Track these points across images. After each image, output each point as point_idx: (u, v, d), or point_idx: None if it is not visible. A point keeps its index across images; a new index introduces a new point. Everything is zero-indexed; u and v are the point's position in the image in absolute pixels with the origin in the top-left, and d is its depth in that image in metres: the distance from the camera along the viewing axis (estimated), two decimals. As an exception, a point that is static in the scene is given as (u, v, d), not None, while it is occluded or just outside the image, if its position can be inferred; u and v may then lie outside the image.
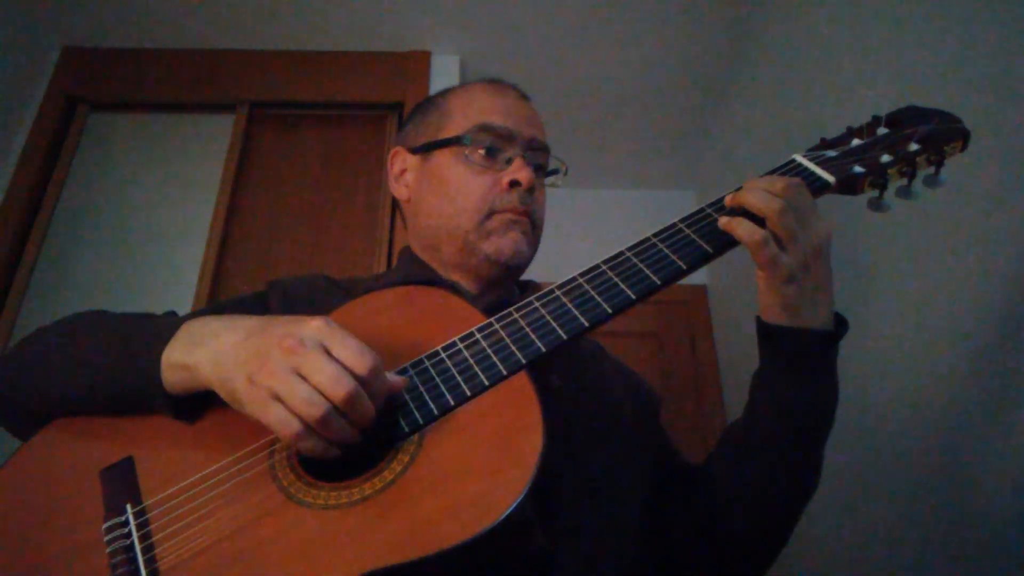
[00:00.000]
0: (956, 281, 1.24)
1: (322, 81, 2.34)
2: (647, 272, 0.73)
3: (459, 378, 0.67)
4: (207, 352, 0.66)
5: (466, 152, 0.93)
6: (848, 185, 0.79)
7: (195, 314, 0.76)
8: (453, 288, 0.88)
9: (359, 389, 0.60)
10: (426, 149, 0.98)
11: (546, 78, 2.48)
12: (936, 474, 1.25)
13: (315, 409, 0.59)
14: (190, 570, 0.60)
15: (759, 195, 0.72)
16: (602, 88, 2.55)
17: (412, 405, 0.66)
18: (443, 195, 0.93)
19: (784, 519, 0.82)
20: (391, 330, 0.74)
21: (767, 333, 0.78)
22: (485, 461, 0.61)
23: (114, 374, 0.71)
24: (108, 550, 0.62)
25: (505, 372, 0.67)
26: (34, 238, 2.08)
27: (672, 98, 2.58)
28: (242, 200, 2.18)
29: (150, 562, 0.60)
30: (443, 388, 0.67)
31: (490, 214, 0.90)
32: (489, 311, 0.74)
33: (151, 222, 2.14)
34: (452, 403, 0.66)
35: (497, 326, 0.71)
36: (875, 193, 0.81)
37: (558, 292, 0.73)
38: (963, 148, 0.79)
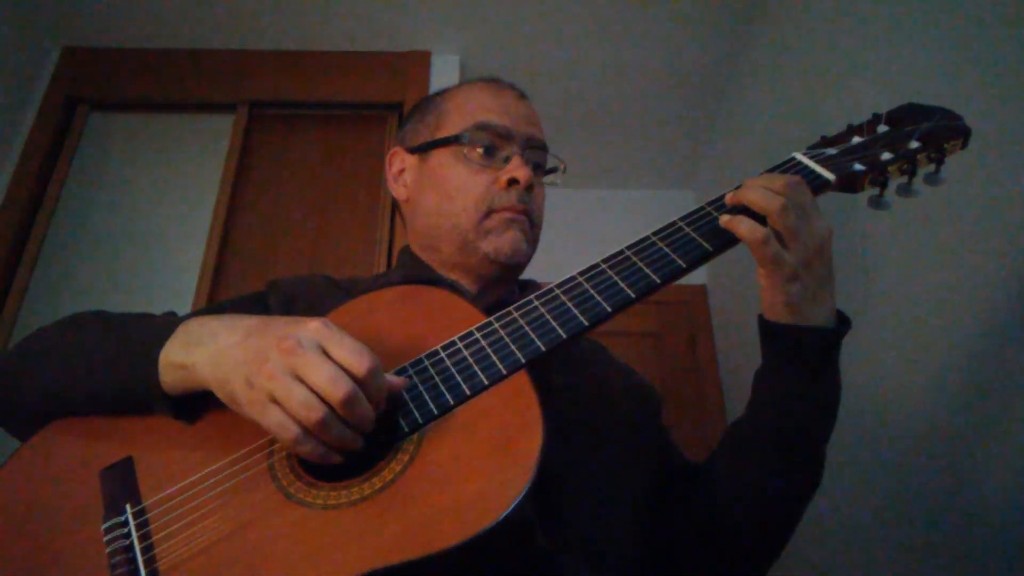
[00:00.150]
0: (956, 281, 1.24)
1: (322, 81, 2.34)
2: (647, 271, 0.73)
3: (458, 377, 0.67)
4: (205, 352, 0.66)
5: (464, 151, 0.92)
6: (848, 183, 0.79)
7: (194, 314, 0.76)
8: (453, 287, 0.88)
9: (357, 390, 0.59)
10: (424, 149, 0.98)
11: (546, 78, 2.48)
12: (936, 474, 1.25)
13: (313, 413, 0.59)
14: (189, 570, 0.60)
15: (760, 193, 0.72)
16: (602, 88, 2.55)
17: (412, 405, 0.66)
18: (442, 194, 0.93)
19: (786, 517, 0.82)
20: (390, 330, 0.73)
21: (770, 331, 0.78)
22: (485, 461, 0.60)
23: (112, 374, 0.71)
24: (107, 550, 0.62)
25: (505, 371, 0.67)
26: (34, 238, 2.08)
27: (672, 98, 2.58)
28: (242, 200, 2.18)
29: (149, 562, 0.60)
30: (442, 388, 0.67)
31: (489, 213, 0.90)
32: (489, 310, 0.74)
33: (151, 222, 2.14)
34: (452, 402, 0.66)
35: (497, 325, 0.71)
36: (875, 191, 0.81)
37: (558, 291, 0.73)
38: (964, 146, 0.79)
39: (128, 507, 0.65)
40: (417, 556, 0.55)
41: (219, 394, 0.65)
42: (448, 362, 0.69)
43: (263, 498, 0.63)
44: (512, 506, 0.56)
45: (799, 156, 0.81)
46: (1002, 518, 1.08)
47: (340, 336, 0.62)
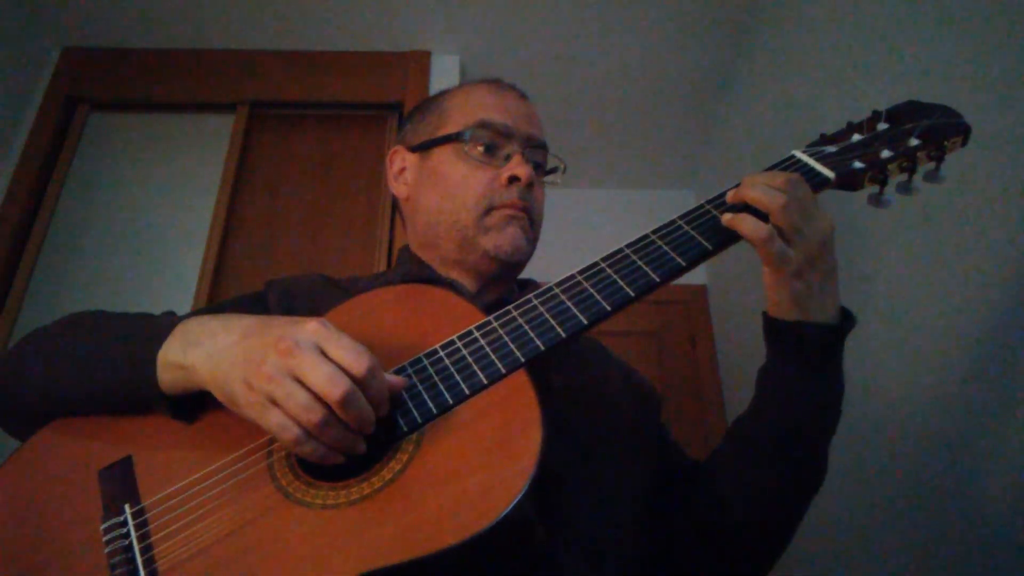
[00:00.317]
0: (956, 279, 1.24)
1: (322, 81, 2.34)
2: (646, 269, 0.72)
3: (458, 377, 0.67)
4: (203, 352, 0.66)
5: (465, 148, 0.93)
6: (848, 181, 0.78)
7: (193, 314, 0.76)
8: (452, 286, 0.88)
9: (355, 389, 0.59)
10: (425, 147, 0.98)
11: (546, 78, 2.48)
12: (936, 474, 1.25)
13: (312, 414, 0.59)
14: (188, 570, 0.60)
15: (762, 191, 0.72)
16: (602, 88, 2.55)
17: (411, 404, 0.66)
18: (442, 191, 0.93)
19: (787, 517, 0.81)
20: (389, 329, 0.73)
21: (775, 328, 0.77)
22: (484, 460, 0.60)
23: (110, 374, 0.71)
24: (106, 550, 0.62)
25: (504, 371, 0.67)
26: (34, 238, 2.08)
27: (672, 98, 2.58)
28: (242, 200, 2.18)
29: (148, 562, 0.60)
30: (442, 387, 0.67)
31: (489, 209, 0.90)
32: (488, 309, 0.73)
33: (151, 222, 2.14)
34: (451, 402, 0.66)
35: (496, 324, 0.71)
36: (875, 189, 0.80)
37: (557, 290, 0.73)
38: (964, 143, 0.79)
39: (127, 507, 0.65)
40: (417, 556, 0.55)
41: (218, 395, 0.65)
42: (447, 361, 0.69)
43: (262, 498, 0.63)
44: (511, 505, 0.56)
45: (799, 154, 0.81)
46: (1002, 518, 1.08)
47: (338, 336, 0.61)
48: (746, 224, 0.71)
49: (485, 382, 0.66)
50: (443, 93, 1.04)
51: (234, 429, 0.67)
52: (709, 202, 0.78)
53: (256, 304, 0.88)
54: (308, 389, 0.59)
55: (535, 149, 0.97)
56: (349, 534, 0.58)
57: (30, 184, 2.12)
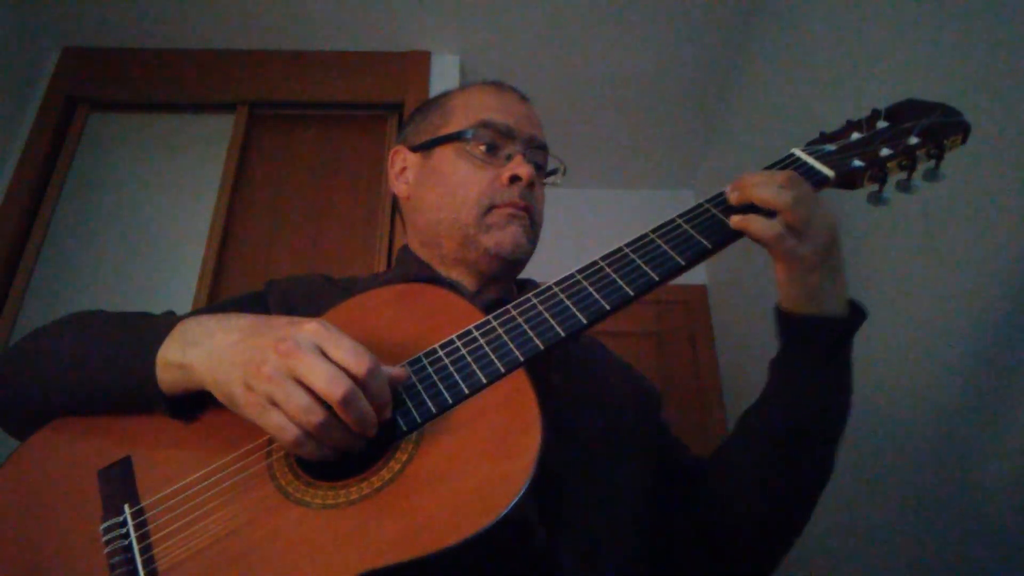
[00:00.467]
0: (955, 278, 1.24)
1: (322, 81, 2.34)
2: (645, 268, 0.72)
3: (457, 376, 0.67)
4: (202, 352, 0.66)
5: (467, 148, 0.93)
6: (847, 179, 0.78)
7: (192, 313, 0.76)
8: (451, 286, 0.88)
9: (356, 390, 0.59)
10: (427, 146, 0.98)
11: (546, 78, 2.48)
12: (935, 473, 1.25)
13: (312, 416, 0.59)
14: (188, 570, 0.60)
15: (769, 190, 0.72)
16: (602, 88, 2.55)
17: (410, 404, 0.66)
18: (444, 190, 0.93)
19: (796, 511, 0.81)
20: (389, 328, 0.73)
21: (791, 322, 0.78)
22: (483, 460, 0.60)
23: (109, 373, 0.71)
24: (106, 550, 0.62)
25: (503, 370, 0.67)
26: (34, 238, 2.08)
27: (672, 98, 2.58)
28: (242, 200, 2.18)
29: (148, 562, 0.60)
30: (441, 387, 0.67)
31: (490, 208, 0.91)
32: (488, 309, 0.73)
33: (151, 222, 2.14)
34: (450, 401, 0.66)
35: (495, 324, 0.71)
36: (874, 187, 0.80)
37: (556, 289, 0.73)
38: (963, 142, 0.79)
39: (127, 507, 0.65)
40: (416, 555, 0.55)
41: (217, 395, 0.65)
42: (446, 361, 0.69)
43: (262, 498, 0.63)
44: (511, 505, 0.56)
45: (798, 152, 0.81)
46: (1002, 518, 1.08)
47: (338, 337, 0.61)
48: (756, 224, 0.72)
49: (484, 382, 0.66)
50: (445, 94, 1.05)
51: (233, 429, 0.67)
52: (708, 201, 0.78)
53: (256, 304, 0.88)
54: (308, 390, 0.59)
55: (536, 150, 0.97)
56: (349, 534, 0.58)
57: (30, 184, 2.12)
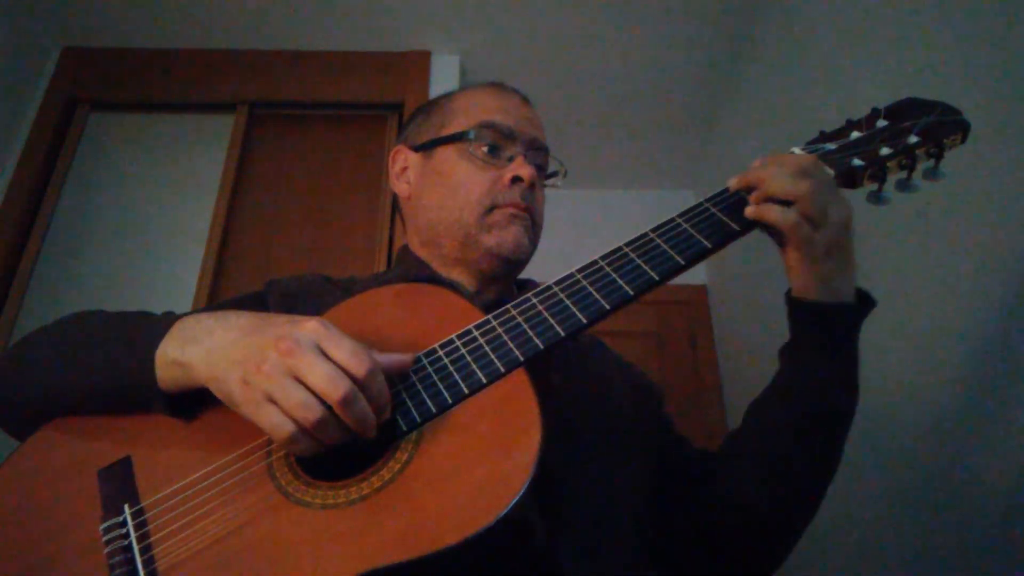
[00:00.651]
0: (955, 277, 1.24)
1: (322, 81, 2.34)
2: (645, 268, 0.73)
3: (457, 376, 0.67)
4: (200, 349, 0.66)
5: (469, 148, 0.94)
6: (847, 178, 0.79)
7: (191, 313, 0.76)
8: (452, 286, 0.88)
9: (356, 390, 0.59)
10: (429, 146, 0.99)
11: (546, 78, 2.48)
12: (934, 472, 1.25)
13: (311, 413, 0.59)
14: (188, 570, 0.60)
15: (783, 181, 0.73)
16: (602, 88, 2.55)
17: (410, 403, 0.66)
18: (445, 190, 0.94)
19: (808, 498, 0.82)
20: (389, 328, 0.73)
21: (803, 308, 0.78)
22: (483, 459, 0.60)
23: (109, 372, 0.71)
24: (106, 551, 0.62)
25: (503, 370, 0.67)
26: (34, 238, 2.08)
27: (672, 98, 2.58)
28: (242, 200, 2.18)
29: (148, 562, 0.60)
30: (441, 386, 0.67)
31: (491, 208, 0.91)
32: (487, 308, 0.73)
33: (151, 222, 2.14)
34: (450, 401, 0.66)
35: (495, 323, 0.71)
36: (874, 186, 0.81)
37: (556, 289, 0.73)
38: (963, 141, 0.79)
39: (127, 507, 0.65)
40: (416, 555, 0.55)
41: (214, 391, 0.65)
42: (446, 360, 0.69)
43: (262, 498, 0.63)
44: (511, 505, 0.56)
45: (798, 151, 0.82)
46: (1002, 518, 1.08)
47: (339, 337, 0.62)
48: (772, 213, 0.73)
49: (484, 381, 0.66)
50: (447, 95, 1.05)
51: (233, 429, 0.67)
52: (708, 201, 0.78)
53: (255, 304, 0.88)
54: (306, 388, 0.59)
55: (537, 152, 0.98)
56: (349, 534, 0.58)
57: (30, 184, 2.12)
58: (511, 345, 0.68)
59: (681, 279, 0.76)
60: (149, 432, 0.70)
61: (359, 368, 0.60)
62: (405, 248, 1.01)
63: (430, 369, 0.68)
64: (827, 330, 0.78)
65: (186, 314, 0.74)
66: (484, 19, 2.32)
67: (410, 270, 0.95)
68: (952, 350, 1.24)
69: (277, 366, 0.60)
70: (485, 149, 0.93)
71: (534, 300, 0.72)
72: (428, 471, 0.61)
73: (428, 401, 0.66)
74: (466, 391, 0.66)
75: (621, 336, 2.54)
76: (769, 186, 0.73)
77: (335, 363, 0.60)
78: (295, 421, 0.59)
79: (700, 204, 0.78)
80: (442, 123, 0.99)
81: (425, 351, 0.70)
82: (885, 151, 0.78)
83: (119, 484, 0.67)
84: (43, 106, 2.25)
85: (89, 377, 0.72)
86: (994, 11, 1.19)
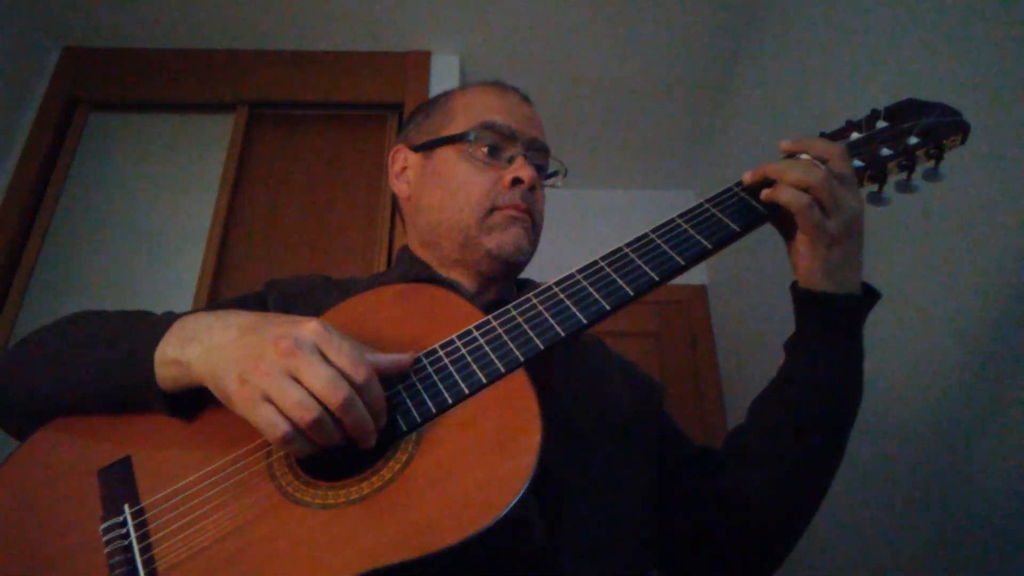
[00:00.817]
0: (955, 277, 1.24)
1: (322, 81, 2.34)
2: (645, 268, 0.73)
3: (457, 376, 0.67)
4: (199, 348, 0.66)
5: (469, 149, 0.93)
6: (848, 179, 0.79)
7: (191, 312, 0.76)
8: (452, 286, 0.88)
9: (354, 395, 0.60)
10: (429, 146, 0.98)
11: (546, 78, 2.48)
12: (934, 472, 1.25)
13: (307, 413, 0.59)
14: (188, 570, 0.60)
15: (798, 171, 0.74)
16: (602, 88, 2.55)
17: (410, 404, 0.66)
18: (445, 191, 0.93)
19: (813, 494, 0.82)
20: (389, 329, 0.73)
21: (809, 298, 0.79)
22: (483, 459, 0.60)
23: (108, 371, 0.71)
24: (106, 551, 0.61)
25: (503, 370, 0.67)
26: (34, 238, 2.08)
27: (672, 98, 2.58)
28: (242, 200, 2.18)
29: (148, 562, 0.60)
30: (441, 387, 0.67)
31: (492, 210, 0.91)
32: (488, 309, 0.73)
33: (151, 222, 2.14)
34: (450, 401, 0.66)
35: (495, 324, 0.71)
36: (874, 187, 0.81)
37: (556, 289, 0.73)
38: (963, 142, 0.79)
39: (127, 507, 0.64)
40: (416, 555, 0.55)
41: (212, 389, 0.65)
42: (446, 361, 0.69)
43: (261, 498, 0.63)
44: (511, 505, 0.56)
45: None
46: (1001, 518, 1.08)
47: (339, 340, 0.62)
48: (786, 194, 0.74)
49: (484, 381, 0.66)
50: (447, 93, 1.04)
51: (234, 429, 0.67)
52: (709, 201, 0.78)
53: (256, 304, 0.88)
54: (304, 388, 0.59)
55: (537, 152, 0.97)
56: (349, 534, 0.58)
57: (30, 184, 2.12)
58: (511, 345, 0.68)
59: (681, 279, 0.76)
60: (149, 432, 0.70)
61: (358, 373, 0.60)
62: (405, 248, 1.01)
63: (430, 369, 0.68)
64: (833, 320, 0.78)
65: (186, 313, 0.74)
66: (484, 19, 2.32)
67: (410, 270, 0.95)
68: (952, 350, 1.24)
69: (275, 366, 0.60)
70: (485, 150, 0.93)
71: (534, 300, 0.72)
72: (428, 471, 0.61)
73: (428, 401, 0.66)
74: (466, 391, 0.66)
75: (621, 336, 2.54)
76: (785, 175, 0.75)
77: (334, 366, 0.60)
78: (291, 421, 0.59)
79: (700, 204, 0.78)
80: (442, 123, 0.99)
81: (425, 351, 0.70)
82: (885, 152, 0.78)
83: (119, 484, 0.67)
84: (43, 106, 2.25)
85: (89, 377, 0.72)
86: (993, 11, 1.19)
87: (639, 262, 0.73)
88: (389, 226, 2.14)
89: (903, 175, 0.80)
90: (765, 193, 0.76)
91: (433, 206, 0.95)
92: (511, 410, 0.63)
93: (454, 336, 0.70)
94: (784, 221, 0.78)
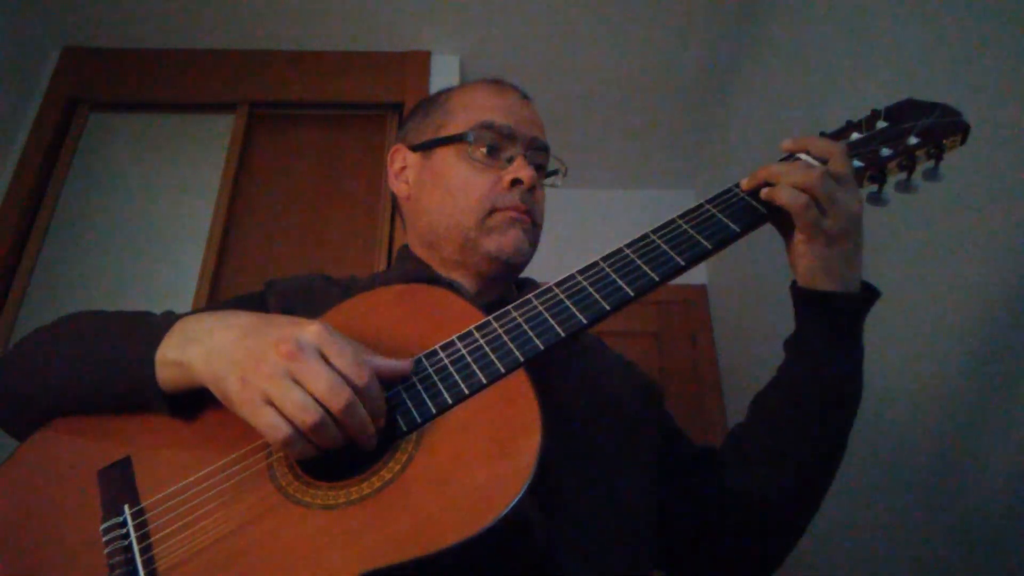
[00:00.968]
0: (955, 278, 1.24)
1: (322, 81, 2.34)
2: (646, 269, 0.73)
3: (457, 377, 0.67)
4: (201, 349, 0.66)
5: (468, 150, 0.93)
6: (848, 179, 0.79)
7: (191, 312, 0.76)
8: (452, 287, 0.88)
9: (356, 398, 0.60)
10: (427, 147, 0.98)
11: (546, 78, 2.48)
12: (934, 472, 1.25)
13: (309, 416, 0.59)
14: (188, 571, 0.60)
15: (796, 173, 0.75)
16: (602, 88, 2.55)
17: (410, 404, 0.66)
18: (444, 192, 0.93)
19: (816, 487, 0.82)
20: (389, 329, 0.73)
21: (808, 297, 0.79)
22: (483, 460, 0.60)
23: (109, 372, 0.71)
24: (106, 551, 0.61)
25: (503, 370, 0.67)
26: (34, 238, 2.08)
27: (672, 97, 2.58)
28: (242, 200, 2.18)
29: (148, 563, 0.60)
30: (441, 387, 0.67)
31: (491, 212, 0.90)
32: (488, 309, 0.73)
33: (151, 222, 2.14)
34: (450, 402, 0.66)
35: (495, 324, 0.71)
36: (874, 187, 0.81)
37: (556, 290, 0.73)
38: (963, 142, 0.79)
39: (127, 507, 0.64)
40: (416, 556, 0.55)
41: (213, 391, 0.65)
42: (446, 361, 0.69)
43: (262, 498, 0.63)
44: (511, 505, 0.56)
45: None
46: (1002, 516, 1.08)
47: (341, 343, 0.62)
48: (784, 194, 0.74)
49: (484, 382, 0.66)
50: (445, 92, 1.04)
51: (233, 429, 0.67)
52: (709, 201, 0.78)
53: (255, 304, 0.88)
54: (306, 391, 0.59)
55: (537, 151, 0.97)
56: (349, 534, 0.58)
57: (30, 184, 2.12)
58: (511, 346, 0.68)
59: (681, 279, 0.77)
60: (149, 432, 0.70)
61: (359, 376, 0.60)
62: (405, 248, 1.01)
63: (430, 370, 0.68)
64: (832, 318, 0.78)
65: (186, 314, 0.74)
66: (484, 19, 2.32)
67: (410, 270, 0.95)
68: (952, 350, 1.24)
69: (277, 368, 0.60)
70: (484, 150, 0.93)
71: (535, 301, 0.72)
72: (428, 472, 0.61)
73: (428, 402, 0.66)
74: (466, 392, 0.66)
75: (621, 336, 2.54)
76: (784, 176, 0.75)
77: (335, 369, 0.60)
78: (292, 423, 0.59)
79: (700, 205, 0.78)
80: (441, 122, 0.98)
81: (426, 352, 0.70)
82: (885, 152, 0.78)
83: (119, 484, 0.67)
84: (43, 106, 2.25)
85: (89, 377, 0.72)
86: (994, 11, 1.19)
87: (639, 263, 0.73)
88: (389, 226, 2.14)
89: (903, 175, 0.80)
90: (764, 192, 0.76)
91: (432, 207, 0.94)
92: (511, 411, 0.63)
93: (454, 337, 0.70)
94: (784, 221, 0.78)
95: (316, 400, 0.59)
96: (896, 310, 1.41)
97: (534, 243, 0.95)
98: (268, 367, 0.60)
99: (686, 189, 2.97)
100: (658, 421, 0.93)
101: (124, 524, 0.63)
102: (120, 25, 2.31)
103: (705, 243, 0.74)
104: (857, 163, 0.79)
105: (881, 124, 0.82)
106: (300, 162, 2.27)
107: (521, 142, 0.95)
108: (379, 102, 2.32)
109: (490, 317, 0.72)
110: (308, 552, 0.58)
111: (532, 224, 0.93)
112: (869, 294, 0.80)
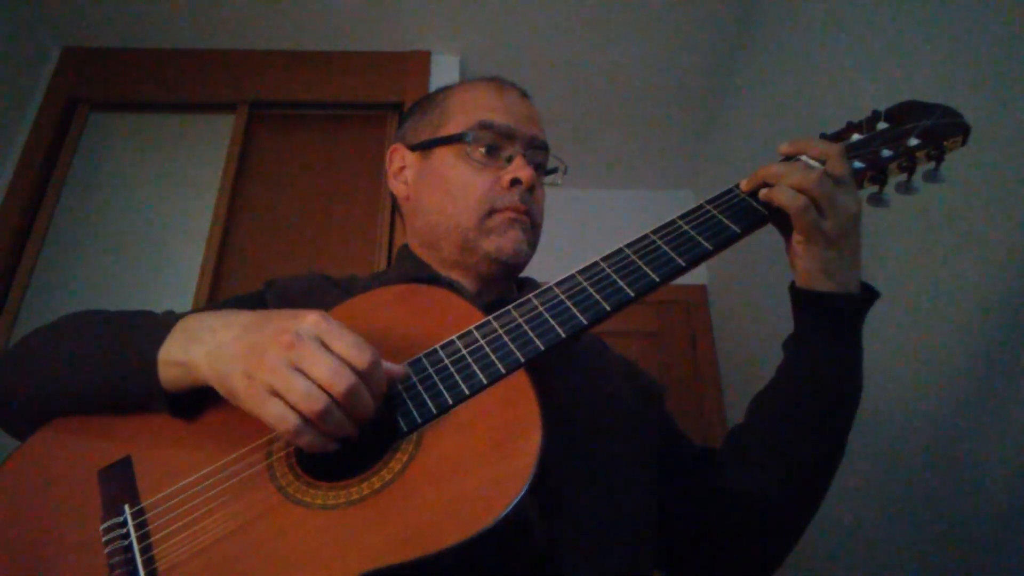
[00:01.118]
0: (955, 278, 1.24)
1: (322, 81, 2.34)
2: (646, 270, 0.73)
3: (457, 377, 0.67)
4: (203, 348, 0.66)
5: (467, 150, 0.92)
6: (847, 180, 0.79)
7: (192, 312, 0.76)
8: (452, 286, 0.88)
9: (359, 382, 0.60)
10: (426, 146, 0.98)
11: (546, 78, 2.48)
12: (934, 471, 1.25)
13: (314, 403, 0.59)
14: (188, 570, 0.60)
15: (795, 174, 0.75)
16: (602, 88, 2.55)
17: (410, 404, 0.66)
18: (443, 193, 0.93)
19: (816, 488, 0.82)
20: (390, 328, 0.73)
21: (807, 298, 0.80)
22: (484, 460, 0.60)
23: (110, 372, 0.71)
24: (106, 551, 0.61)
25: (504, 371, 0.67)
26: (34, 238, 2.08)
27: (671, 98, 2.58)
28: (242, 200, 2.18)
29: (148, 562, 0.60)
30: (441, 387, 0.67)
31: (490, 212, 0.90)
32: (488, 309, 0.73)
33: (151, 222, 2.14)
34: (450, 402, 0.66)
35: (496, 324, 0.71)
36: (874, 188, 0.81)
37: (557, 290, 0.73)
38: (963, 143, 0.79)
39: (127, 507, 0.65)
40: (416, 556, 0.55)
41: (218, 389, 0.65)
42: (447, 361, 0.69)
43: (262, 498, 0.63)
44: (511, 505, 0.56)
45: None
46: (1002, 516, 1.08)
47: (340, 329, 0.62)
48: (782, 195, 0.75)
49: (485, 382, 0.66)
50: (444, 90, 1.04)
51: (234, 429, 0.67)
52: (709, 202, 0.78)
53: (256, 304, 0.87)
54: (309, 379, 0.59)
55: (536, 150, 0.97)
56: (349, 534, 0.58)
57: (30, 184, 2.12)
58: (512, 346, 0.68)
59: (681, 279, 0.77)
60: (149, 432, 0.71)
61: (361, 359, 0.60)
62: (405, 247, 1.01)
63: (431, 370, 0.68)
64: (831, 319, 0.78)
65: (187, 313, 0.74)
66: (484, 19, 2.32)
67: (411, 270, 0.95)
68: (952, 350, 1.24)
69: (279, 359, 0.60)
70: (483, 151, 0.92)
71: (535, 301, 0.72)
72: (428, 472, 0.61)
73: (429, 402, 0.66)
74: (467, 392, 0.66)
75: (621, 336, 2.54)
76: (782, 178, 0.76)
77: (337, 355, 0.60)
78: (299, 412, 0.60)
79: (701, 206, 0.78)
80: (439, 122, 0.98)
81: (426, 352, 0.70)
82: (886, 153, 0.79)
83: (119, 484, 0.67)
84: (43, 106, 2.25)
85: (90, 377, 0.72)
86: (994, 11, 1.19)
87: (640, 263, 0.73)
88: (389, 226, 2.14)
89: (903, 176, 0.80)
90: (763, 193, 0.76)
91: (432, 207, 0.94)
92: (511, 411, 0.63)
93: (454, 337, 0.70)
94: (784, 222, 0.78)
95: (321, 387, 0.59)
96: (896, 310, 1.41)
97: (533, 243, 0.95)
98: (270, 359, 0.60)
99: (686, 189, 2.97)
100: (659, 422, 0.93)
101: (124, 524, 0.63)
102: (120, 25, 2.31)
103: (706, 244, 0.74)
104: (858, 164, 0.79)
105: (882, 125, 0.82)
106: (300, 162, 2.27)
107: (520, 141, 0.94)
108: (379, 102, 2.32)
109: (490, 317, 0.72)
110: (308, 552, 0.58)
111: (531, 224, 0.93)
112: (868, 295, 0.80)
